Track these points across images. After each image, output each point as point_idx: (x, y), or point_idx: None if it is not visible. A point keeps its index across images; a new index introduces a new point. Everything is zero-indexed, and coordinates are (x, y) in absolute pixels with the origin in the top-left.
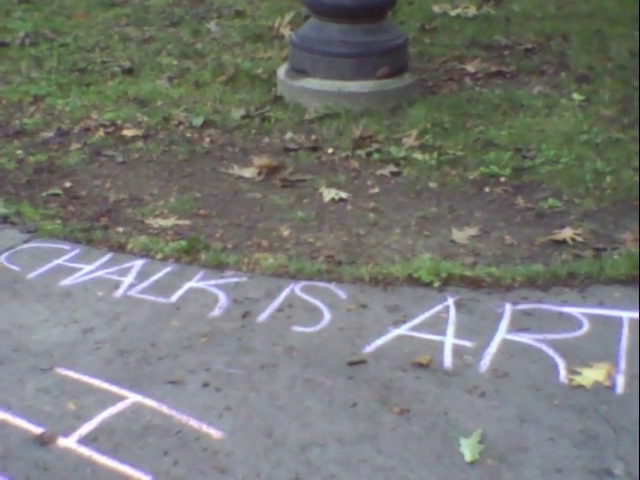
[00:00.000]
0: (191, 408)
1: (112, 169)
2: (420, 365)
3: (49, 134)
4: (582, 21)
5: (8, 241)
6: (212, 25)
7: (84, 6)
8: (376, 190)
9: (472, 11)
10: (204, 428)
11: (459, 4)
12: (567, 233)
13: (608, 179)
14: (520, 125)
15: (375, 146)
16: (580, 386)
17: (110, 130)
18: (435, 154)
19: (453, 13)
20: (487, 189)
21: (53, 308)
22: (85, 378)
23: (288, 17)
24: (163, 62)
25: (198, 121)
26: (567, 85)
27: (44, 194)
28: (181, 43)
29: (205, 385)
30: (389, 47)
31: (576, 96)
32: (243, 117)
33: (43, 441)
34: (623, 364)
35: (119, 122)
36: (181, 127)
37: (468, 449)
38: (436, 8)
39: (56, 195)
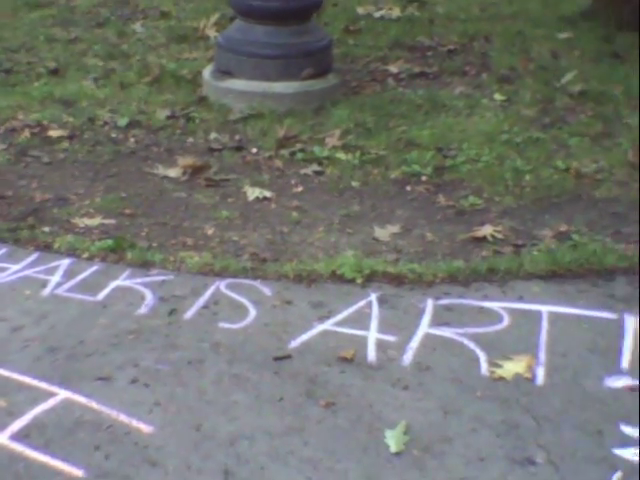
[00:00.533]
0: (121, 404)
1: (38, 169)
2: (345, 359)
3: None
4: (505, 23)
5: None
6: (137, 26)
7: (9, 7)
8: (300, 189)
9: (396, 13)
10: (134, 423)
11: (383, 6)
12: (487, 230)
13: (528, 177)
14: (442, 125)
15: (299, 146)
16: (501, 378)
17: (36, 131)
18: (358, 154)
19: (377, 15)
20: (409, 187)
21: None
22: (15, 375)
23: (213, 18)
24: (89, 63)
25: (123, 121)
26: (489, 85)
27: None
28: (107, 44)
29: (134, 381)
30: (313, 48)
31: (497, 96)
32: (168, 117)
33: None
34: (543, 356)
35: (45, 122)
36: (106, 127)
37: (393, 440)
38: (360, 10)
39: None
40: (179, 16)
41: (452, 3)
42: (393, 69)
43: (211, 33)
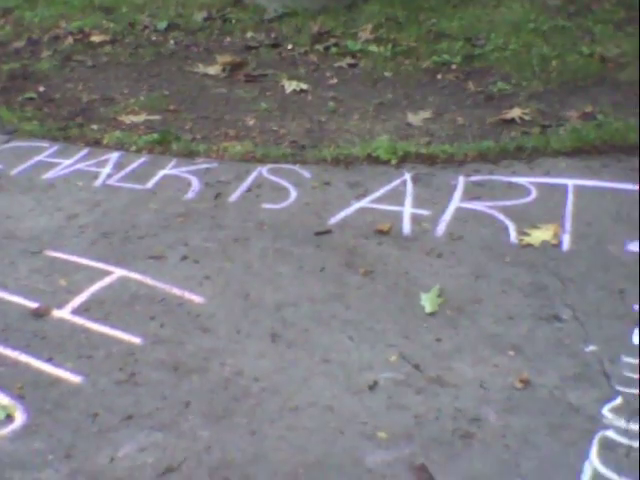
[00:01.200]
0: (173, 279)
1: (83, 73)
2: (381, 232)
3: (20, 44)
4: None
5: None
6: None
7: None
8: (335, 81)
9: None
10: (186, 295)
11: None
12: (515, 112)
13: (554, 63)
14: (470, 16)
15: (332, 41)
16: (529, 245)
17: (78, 37)
18: (389, 46)
19: None
20: (439, 76)
21: (38, 199)
22: (73, 258)
23: None
24: None
25: (162, 25)
26: None
27: (20, 98)
28: None
29: (184, 258)
30: None
31: None
32: (205, 19)
33: (39, 314)
34: (568, 225)
35: (87, 29)
36: (146, 31)
37: (428, 302)
38: None
39: (31, 99)
40: None
41: None
42: None
43: None
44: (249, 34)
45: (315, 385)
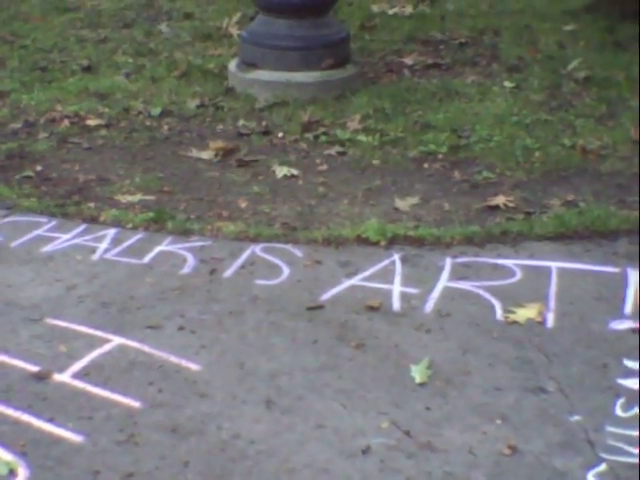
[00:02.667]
0: (170, 347)
1: (79, 154)
2: (372, 308)
3: (17, 125)
4: (513, 17)
5: None
6: (163, 26)
7: (39, 11)
8: (324, 167)
9: (409, 10)
10: (183, 363)
11: (396, 3)
12: (500, 200)
13: (537, 154)
14: (455, 110)
15: (322, 129)
16: (515, 322)
17: (74, 120)
18: (377, 136)
19: (391, 12)
20: (426, 165)
21: (37, 270)
22: (73, 326)
23: (235, 17)
24: (119, 60)
25: (156, 111)
26: (499, 74)
27: (17, 177)
28: (135, 43)
29: (181, 329)
30: (332, 40)
31: (507, 84)
32: (198, 107)
33: (40, 377)
34: (552, 304)
35: (82, 113)
36: (140, 116)
37: (418, 373)
38: (374, 7)
39: (29, 177)
40: (202, 17)
41: (461, 0)
42: (408, 61)
43: (234, 31)
44: (241, 122)
45: (310, 449)
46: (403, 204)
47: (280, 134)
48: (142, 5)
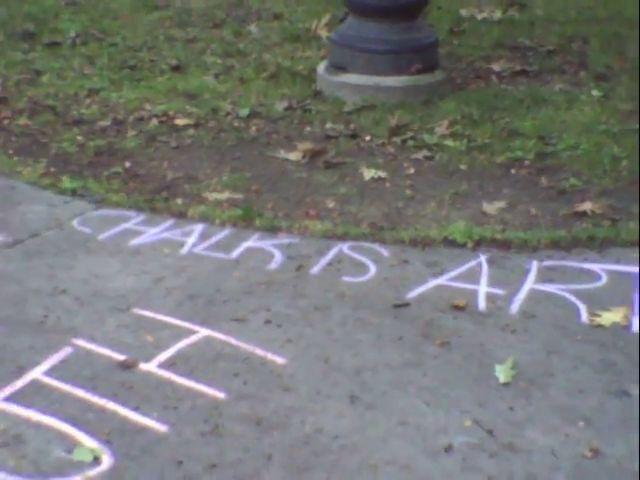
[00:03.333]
0: (256, 340)
1: (167, 152)
2: (457, 307)
3: (106, 122)
4: (601, 24)
5: (78, 209)
6: (252, 27)
7: (129, 9)
8: (412, 171)
9: (498, 15)
10: (269, 356)
11: (485, 8)
12: (587, 206)
13: (624, 163)
14: (543, 117)
15: (410, 134)
16: (600, 325)
17: (163, 119)
18: (465, 141)
19: (480, 17)
20: (513, 171)
21: (125, 262)
22: (160, 317)
23: (325, 19)
24: (208, 60)
25: (244, 112)
26: (586, 83)
27: (106, 173)
28: (224, 43)
29: (267, 322)
30: (422, 45)
31: (595, 92)
32: (286, 109)
33: (126, 366)
34: (638, 308)
35: (171, 113)
36: (229, 117)
37: (502, 373)
38: (463, 12)
39: (117, 174)
40: (291, 18)
41: (551, 6)
42: (496, 67)
43: (323, 33)
44: (328, 124)
45: (393, 445)
46: (490, 208)
47: (368, 137)
48: (232, 4)
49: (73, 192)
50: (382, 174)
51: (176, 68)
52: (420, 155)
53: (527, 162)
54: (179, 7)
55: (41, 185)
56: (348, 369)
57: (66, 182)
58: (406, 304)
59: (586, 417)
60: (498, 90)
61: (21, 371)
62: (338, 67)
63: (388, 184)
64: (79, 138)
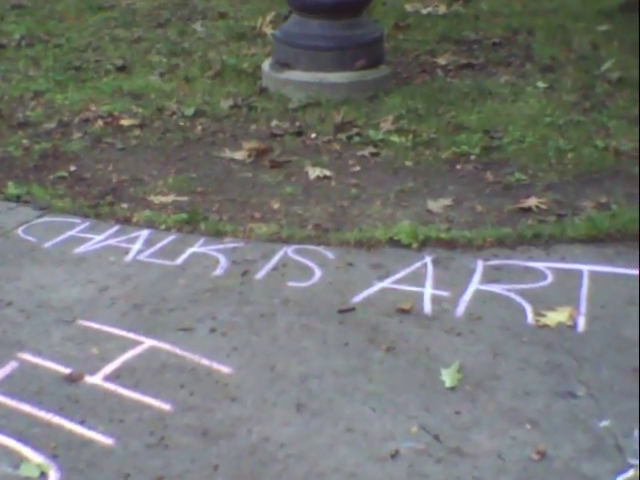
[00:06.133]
0: (201, 350)
1: (113, 154)
2: (403, 311)
3: (51, 125)
4: (546, 17)
5: (23, 216)
6: (197, 26)
7: (74, 10)
8: (357, 168)
9: (442, 9)
10: (214, 365)
11: (430, 3)
12: (532, 202)
13: (570, 155)
14: (488, 110)
15: (355, 130)
16: (546, 326)
17: (108, 120)
18: (410, 136)
19: (424, 11)
20: (458, 166)
21: (70, 271)
22: (105, 328)
23: (269, 17)
24: (153, 60)
25: (190, 111)
26: (532, 74)
27: (51, 177)
28: (169, 42)
29: (212, 331)
30: (366, 40)
31: (540, 84)
32: (231, 107)
33: (72, 379)
34: (584, 308)
35: (116, 113)
36: (174, 117)
37: (448, 377)
38: (408, 7)
39: (62, 178)
40: (236, 16)
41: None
42: (441, 61)
43: (267, 30)
44: (274, 122)
45: (339, 453)
46: (435, 206)
47: (313, 135)
48: (176, 4)
49: (18, 198)
50: (327, 172)
51: (121, 68)
52: (366, 152)
53: (473, 157)
54: (124, 8)
55: None
56: (294, 377)
57: (11, 188)
58: (351, 309)
59: (532, 419)
60: (444, 84)
61: None
62: (282, 64)
63: (333, 183)
64: (24, 141)
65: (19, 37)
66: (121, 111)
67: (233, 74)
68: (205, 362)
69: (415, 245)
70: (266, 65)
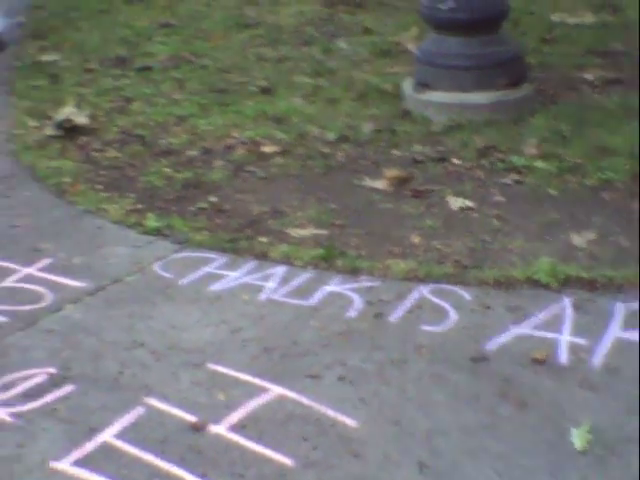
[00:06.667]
0: (328, 399)
1: (254, 184)
2: (537, 361)
3: (194, 152)
4: None
5: (161, 251)
6: (342, 43)
7: (221, 28)
8: (500, 198)
9: (589, 19)
10: (339, 417)
11: (576, 13)
12: None
13: None
14: (637, 131)
15: (498, 155)
16: None
17: (250, 147)
18: (555, 162)
19: (571, 22)
20: (604, 195)
21: (204, 310)
22: (233, 372)
23: (413, 32)
24: (297, 80)
25: (332, 136)
26: None
27: (192, 208)
28: (313, 61)
29: (340, 379)
30: (505, 58)
31: None
32: (374, 131)
33: (197, 428)
34: None
35: (258, 139)
36: (316, 142)
37: (578, 438)
38: (555, 17)
39: (203, 209)
40: (381, 31)
41: None
42: (588, 76)
43: (411, 46)
44: (416, 147)
45: None
46: (579, 240)
47: (455, 160)
48: (322, 19)
49: (157, 231)
50: (470, 203)
51: (265, 90)
52: (509, 179)
53: (619, 184)
54: (270, 25)
55: (126, 224)
56: (420, 433)
57: (151, 220)
58: (484, 358)
59: None
60: (590, 101)
61: (92, 433)
62: (423, 84)
63: (475, 214)
64: (167, 170)
65: (165, 58)
66: (263, 136)
67: (376, 95)
68: (330, 413)
69: (555, 285)
70: (408, 85)
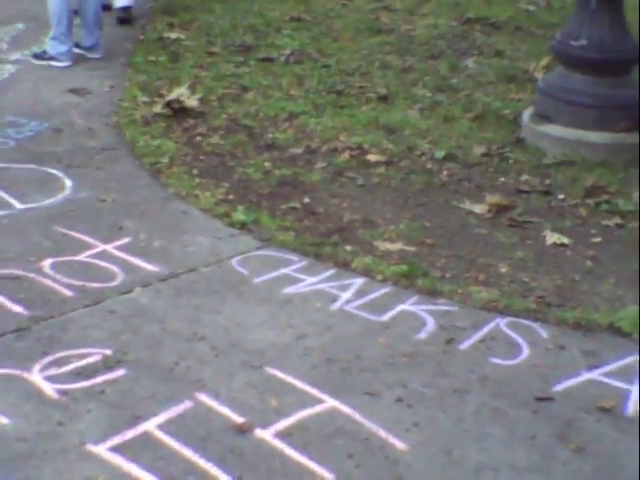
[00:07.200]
0: (382, 419)
1: (351, 190)
2: (603, 409)
3: (297, 150)
4: None
5: (242, 246)
6: (470, 62)
7: (351, 30)
8: (598, 239)
9: None
10: (390, 439)
11: None
12: None
13: None
14: None
15: (605, 197)
16: None
17: (355, 153)
18: None
19: None
20: None
21: (272, 312)
22: (290, 379)
23: (544, 62)
24: (417, 93)
25: (440, 154)
26: None
27: (283, 206)
28: (437, 76)
29: (398, 400)
30: (629, 101)
31: None
32: (483, 155)
33: (242, 430)
34: None
35: (365, 146)
36: (423, 158)
37: None
38: None
39: (294, 208)
40: (512, 56)
41: None
42: None
43: (539, 75)
44: (523, 177)
45: None
46: None
47: (561, 196)
48: (456, 36)
49: (243, 225)
50: (566, 240)
51: (383, 98)
52: (611, 222)
53: None
54: (402, 33)
55: (214, 213)
56: (469, 465)
57: (239, 213)
58: (549, 398)
59: None
60: None
61: (135, 420)
62: (542, 116)
63: (569, 252)
64: (266, 164)
65: (289, 52)
66: (371, 144)
67: (493, 119)
68: (381, 433)
69: (636, 335)
70: (527, 114)
